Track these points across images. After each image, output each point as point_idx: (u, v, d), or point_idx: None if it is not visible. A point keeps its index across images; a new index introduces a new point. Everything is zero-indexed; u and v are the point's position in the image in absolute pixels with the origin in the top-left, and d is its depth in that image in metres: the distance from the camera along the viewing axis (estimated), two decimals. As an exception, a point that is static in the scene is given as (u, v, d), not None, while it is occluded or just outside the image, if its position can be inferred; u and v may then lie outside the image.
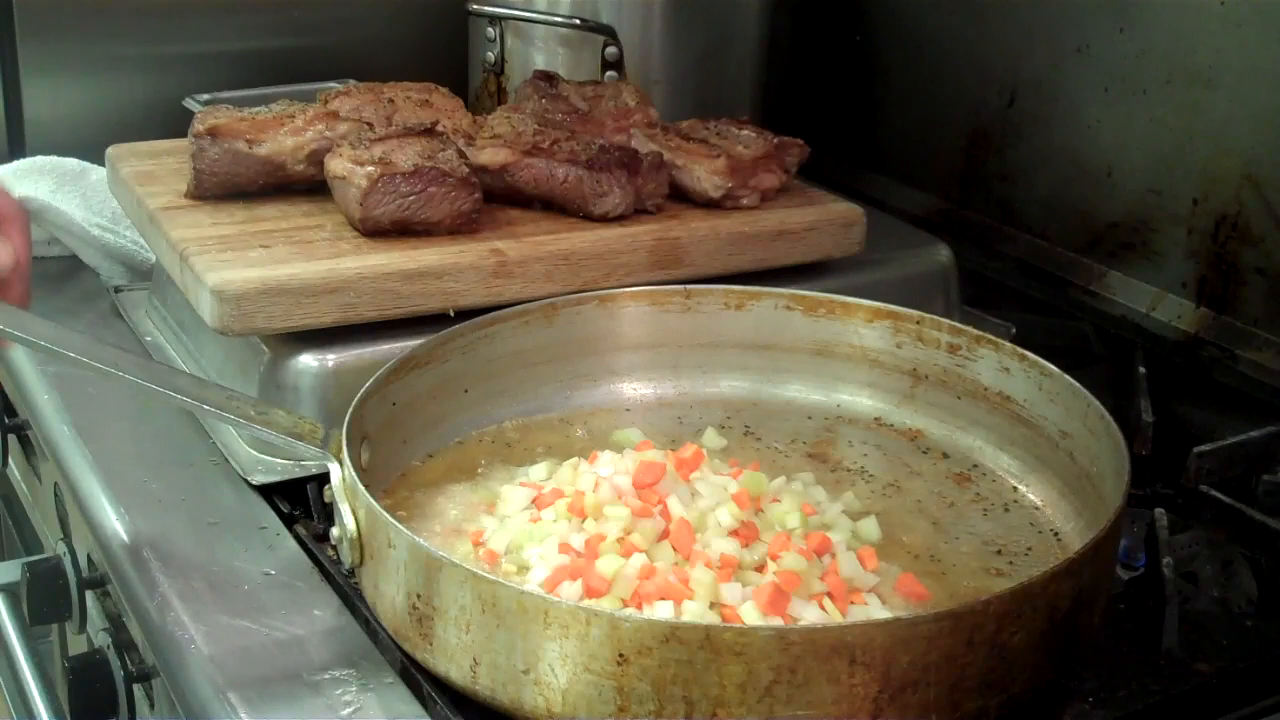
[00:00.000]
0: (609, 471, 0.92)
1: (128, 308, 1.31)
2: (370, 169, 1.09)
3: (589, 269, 1.12)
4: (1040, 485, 1.00)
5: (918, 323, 1.08)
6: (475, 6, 1.58)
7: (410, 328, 1.05)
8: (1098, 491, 0.92)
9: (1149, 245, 1.45)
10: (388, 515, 0.81)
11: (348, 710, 0.80)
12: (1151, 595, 0.92)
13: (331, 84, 1.45)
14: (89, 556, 1.08)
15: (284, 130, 1.17)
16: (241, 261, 1.04)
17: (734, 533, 0.86)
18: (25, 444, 1.32)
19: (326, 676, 0.82)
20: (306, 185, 1.18)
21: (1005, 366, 1.03)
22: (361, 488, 0.84)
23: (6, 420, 1.33)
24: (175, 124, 1.24)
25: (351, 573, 0.89)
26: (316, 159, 1.16)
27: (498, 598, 0.74)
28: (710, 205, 1.21)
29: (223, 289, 1.01)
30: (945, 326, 1.07)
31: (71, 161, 1.45)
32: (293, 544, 0.96)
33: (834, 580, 0.83)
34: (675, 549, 0.85)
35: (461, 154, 1.14)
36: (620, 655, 0.72)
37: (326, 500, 0.89)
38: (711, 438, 1.05)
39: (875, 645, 0.71)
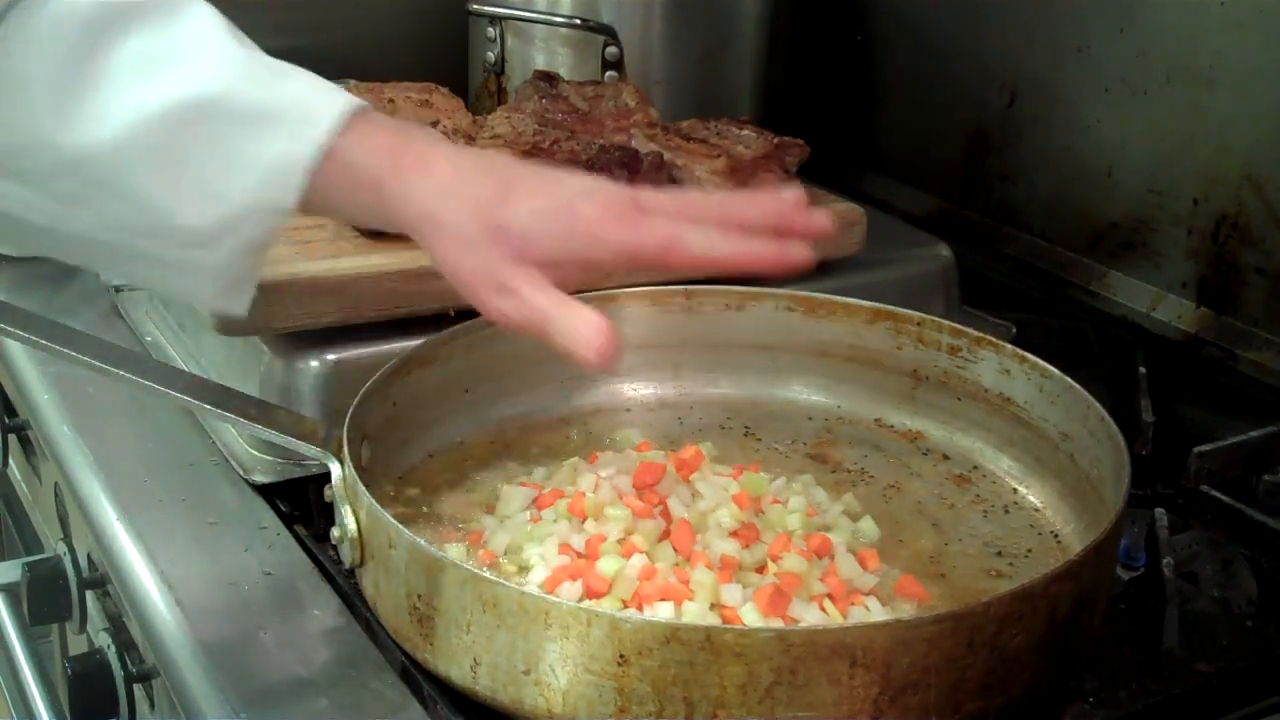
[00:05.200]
0: (609, 472, 0.92)
1: (128, 308, 1.30)
2: (370, 169, 1.08)
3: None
4: (1040, 487, 1.00)
5: (918, 324, 1.08)
6: (475, 6, 1.58)
7: (410, 328, 1.04)
8: (1098, 494, 0.92)
9: (1149, 245, 1.45)
10: (388, 515, 0.81)
11: (348, 710, 0.80)
12: (1151, 595, 0.92)
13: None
14: (89, 556, 1.08)
15: (284, 130, 1.16)
16: (242, 261, 1.04)
17: (734, 534, 0.87)
18: (25, 444, 1.32)
19: (327, 677, 0.82)
20: (307, 185, 1.17)
21: (1006, 368, 1.03)
22: (362, 487, 0.84)
23: (6, 420, 1.33)
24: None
25: (351, 573, 0.89)
26: (317, 159, 1.15)
27: (498, 598, 0.74)
28: (710, 205, 1.21)
29: (223, 289, 1.01)
30: (946, 328, 1.07)
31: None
32: (293, 544, 0.96)
33: (834, 582, 0.83)
34: (676, 550, 0.85)
35: (462, 154, 1.14)
36: (621, 656, 0.72)
37: (327, 500, 0.89)
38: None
39: (876, 647, 0.71)
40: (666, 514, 0.87)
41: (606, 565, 0.82)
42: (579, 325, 0.76)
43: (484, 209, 0.78)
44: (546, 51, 1.54)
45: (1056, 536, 0.95)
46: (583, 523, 0.87)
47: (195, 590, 0.90)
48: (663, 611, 0.80)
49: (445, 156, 0.80)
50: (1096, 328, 1.41)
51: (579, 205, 0.78)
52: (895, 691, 0.72)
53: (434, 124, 1.18)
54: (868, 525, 0.93)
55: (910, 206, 1.72)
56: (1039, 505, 0.99)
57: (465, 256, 0.78)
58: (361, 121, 0.80)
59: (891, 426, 1.09)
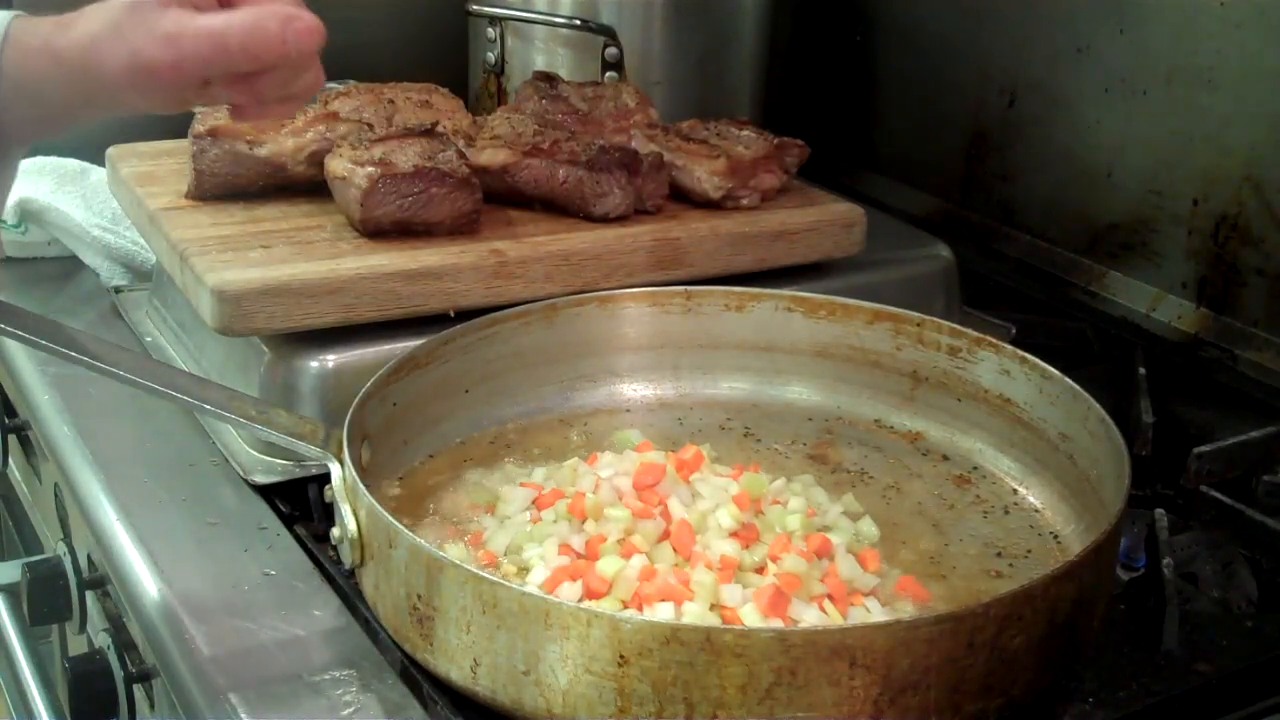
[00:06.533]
0: (609, 473, 0.92)
1: (128, 308, 1.31)
2: (370, 170, 1.09)
3: (589, 269, 1.12)
4: (1040, 488, 1.00)
5: (918, 325, 1.08)
6: (475, 7, 1.58)
7: (410, 328, 1.05)
8: (1098, 495, 0.92)
9: (1149, 245, 1.45)
10: (389, 515, 0.81)
11: (348, 710, 0.80)
12: (1151, 595, 0.92)
13: (331, 84, 1.44)
14: (89, 556, 1.08)
15: (284, 131, 1.17)
16: (242, 262, 1.04)
17: (734, 534, 0.87)
18: (25, 444, 1.32)
19: (326, 677, 0.82)
20: (307, 186, 1.18)
21: (1006, 369, 1.03)
22: (362, 488, 0.84)
23: (6, 420, 1.33)
24: (175, 124, 1.24)
25: (351, 573, 0.89)
26: (317, 160, 1.16)
27: (498, 599, 0.75)
28: (710, 206, 1.21)
29: (223, 289, 1.01)
30: (946, 329, 1.07)
31: (72, 161, 1.45)
32: (293, 544, 0.96)
33: (834, 582, 0.83)
34: (676, 550, 0.85)
35: (461, 155, 1.14)
36: (621, 656, 0.72)
37: (327, 500, 0.89)
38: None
39: (876, 647, 0.71)
40: (666, 514, 0.87)
41: (606, 566, 0.82)
42: (254, 20, 0.80)
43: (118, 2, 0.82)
44: (546, 52, 1.54)
45: (1056, 537, 0.95)
46: (583, 523, 0.87)
47: (195, 590, 0.90)
48: (663, 612, 0.80)
49: (94, 5, 0.83)
50: (1096, 328, 1.41)
51: None
52: (895, 692, 0.72)
53: (434, 124, 1.18)
54: (868, 526, 0.93)
55: (910, 206, 1.72)
56: (1039, 506, 0.99)
57: (125, 41, 0.80)
58: (23, 17, 0.84)
59: (891, 427, 1.09)
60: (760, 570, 0.84)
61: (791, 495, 0.94)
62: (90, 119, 0.87)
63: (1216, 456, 1.10)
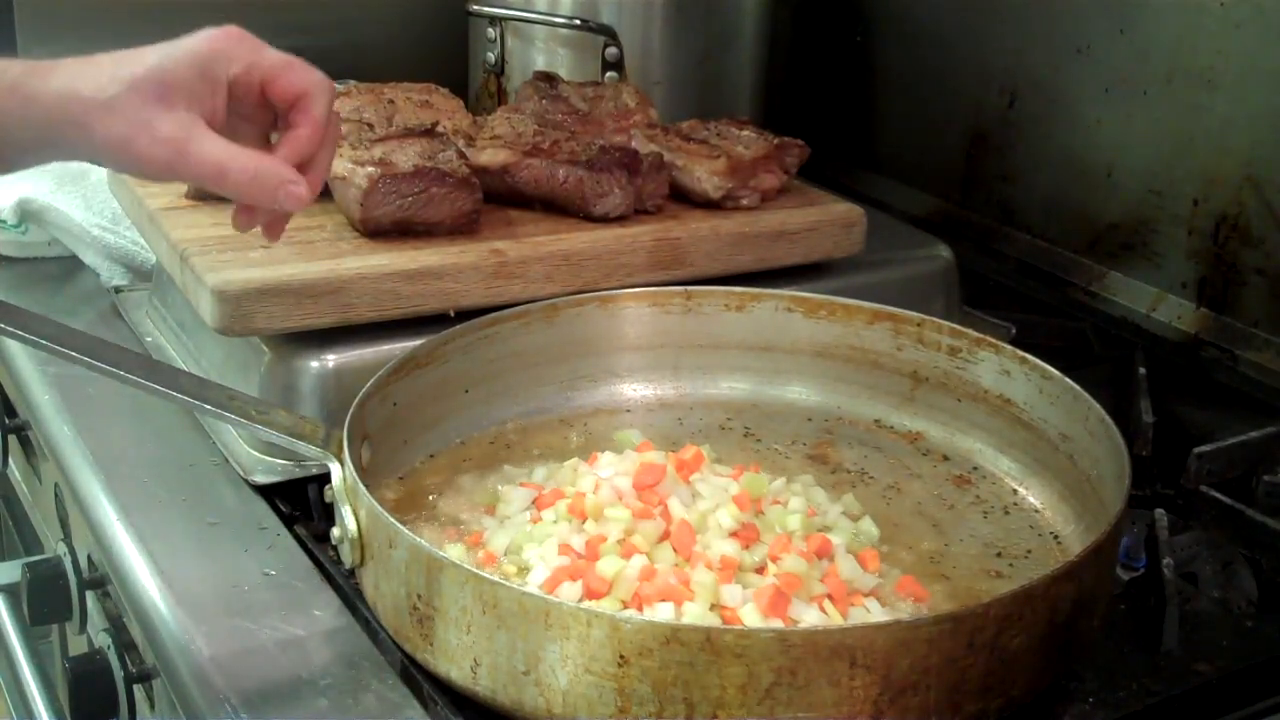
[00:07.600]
0: (609, 473, 0.92)
1: (128, 308, 1.31)
2: (371, 169, 1.09)
3: (589, 269, 1.12)
4: (1040, 488, 1.00)
5: (918, 325, 1.08)
6: (475, 7, 1.58)
7: (410, 328, 1.05)
8: (1098, 495, 0.92)
9: (1149, 245, 1.45)
10: (389, 515, 0.81)
11: (348, 711, 0.80)
12: (1152, 595, 0.92)
13: (331, 84, 1.45)
14: (89, 556, 1.08)
15: (284, 130, 1.16)
16: (242, 262, 1.04)
17: (734, 534, 0.86)
18: (25, 444, 1.32)
19: (327, 677, 0.82)
20: (307, 185, 1.17)
21: (1006, 369, 1.03)
22: (362, 488, 0.84)
23: (6, 420, 1.33)
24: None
25: (351, 573, 0.89)
26: (317, 159, 1.15)
27: (499, 599, 0.75)
28: (710, 206, 1.21)
29: (223, 289, 1.01)
30: (946, 329, 1.07)
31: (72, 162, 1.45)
32: (293, 544, 0.96)
33: (834, 582, 0.83)
34: (676, 550, 0.85)
35: (462, 155, 1.14)
36: (621, 657, 0.72)
37: (327, 500, 0.89)
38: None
39: (876, 648, 0.71)
40: (666, 515, 0.87)
41: (606, 566, 0.82)
42: (255, 170, 0.82)
43: (118, 67, 0.81)
44: (546, 52, 1.55)
45: (1056, 537, 0.95)
46: (583, 523, 0.87)
47: (195, 590, 0.90)
48: (663, 612, 0.80)
49: (72, 60, 0.83)
50: (1096, 328, 1.41)
51: (200, 35, 0.84)
52: (895, 692, 0.72)
53: (434, 124, 1.18)
54: (868, 526, 0.93)
55: (910, 206, 1.72)
56: (1039, 506, 0.99)
57: (120, 121, 0.81)
58: None
59: (891, 427, 1.09)
60: (760, 570, 0.85)
61: (791, 495, 0.94)
62: (46, 161, 0.87)
63: (1216, 456, 1.10)
